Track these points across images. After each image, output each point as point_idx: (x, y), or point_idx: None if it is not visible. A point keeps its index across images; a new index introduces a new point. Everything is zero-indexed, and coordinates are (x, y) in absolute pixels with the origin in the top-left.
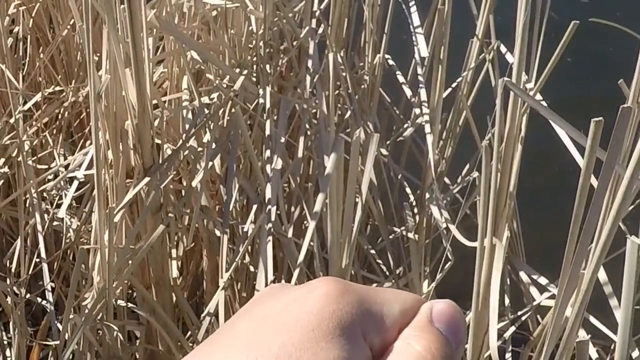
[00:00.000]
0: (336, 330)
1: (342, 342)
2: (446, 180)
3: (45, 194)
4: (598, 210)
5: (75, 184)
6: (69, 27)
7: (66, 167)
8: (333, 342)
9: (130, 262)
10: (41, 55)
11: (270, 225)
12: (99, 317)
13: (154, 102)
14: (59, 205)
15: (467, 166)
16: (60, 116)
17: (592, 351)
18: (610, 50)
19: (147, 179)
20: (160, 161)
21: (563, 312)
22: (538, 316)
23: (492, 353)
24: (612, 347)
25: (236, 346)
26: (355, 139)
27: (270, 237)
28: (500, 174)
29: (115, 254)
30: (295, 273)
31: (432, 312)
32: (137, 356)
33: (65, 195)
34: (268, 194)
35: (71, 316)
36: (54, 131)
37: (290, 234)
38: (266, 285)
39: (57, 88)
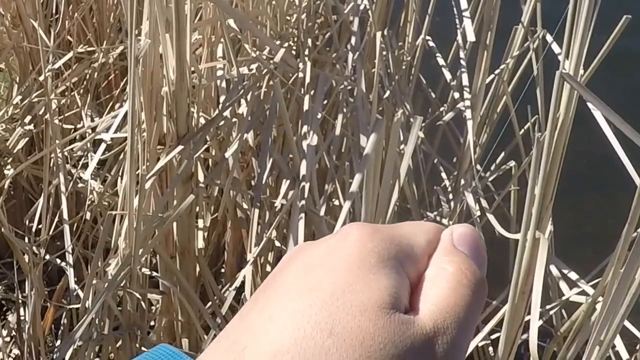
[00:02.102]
0: (379, 264)
1: (387, 272)
2: (479, 167)
3: (69, 155)
4: None
5: (102, 147)
6: None
7: (93, 129)
8: (380, 274)
9: (156, 230)
10: (74, 14)
11: (303, 202)
12: (121, 284)
13: (191, 69)
14: (83, 167)
15: (503, 154)
16: (89, 77)
17: (622, 349)
18: None
19: (180, 147)
20: (195, 130)
21: (606, 323)
22: (564, 311)
23: (531, 352)
24: (638, 347)
25: (290, 295)
26: (396, 121)
27: (302, 215)
28: (549, 167)
29: (142, 222)
30: None
31: (454, 236)
32: (156, 325)
33: (92, 157)
34: (303, 170)
35: (94, 281)
36: (82, 92)
37: (322, 213)
38: None
39: (88, 48)
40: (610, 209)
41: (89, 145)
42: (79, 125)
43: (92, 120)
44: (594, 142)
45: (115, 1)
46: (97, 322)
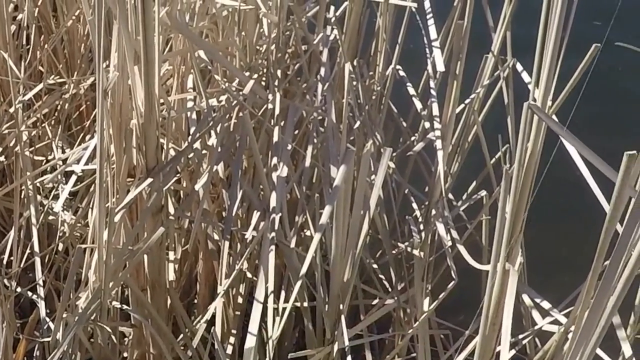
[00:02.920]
0: None
1: None
2: (450, 196)
3: (40, 186)
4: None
5: (73, 178)
6: (74, 17)
7: (64, 160)
8: None
9: (127, 263)
10: (45, 45)
11: (273, 234)
12: (92, 317)
13: (160, 100)
14: (55, 198)
15: (474, 183)
16: (59, 108)
17: None
18: (619, 70)
19: (149, 180)
20: (164, 162)
21: (578, 353)
22: (537, 339)
23: None
24: None
25: None
26: (366, 152)
27: (272, 247)
28: (518, 198)
29: (112, 255)
30: (297, 285)
31: None
32: (127, 358)
33: (62, 189)
34: (273, 202)
35: (65, 315)
36: (53, 123)
37: (292, 244)
38: (266, 295)
39: (59, 79)
40: (585, 234)
41: (60, 176)
42: (50, 157)
43: (63, 152)
44: (569, 167)
45: (87, 32)
46: (68, 355)
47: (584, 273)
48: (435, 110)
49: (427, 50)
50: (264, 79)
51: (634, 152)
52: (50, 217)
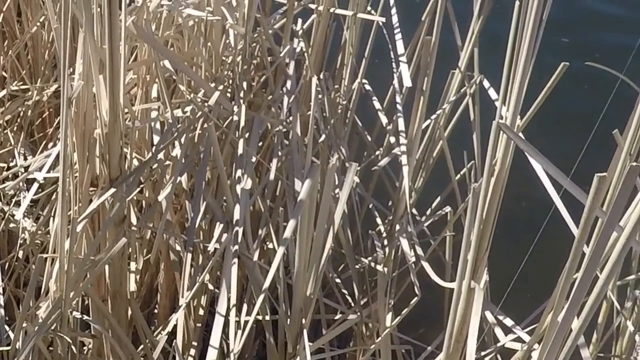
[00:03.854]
0: None
1: None
2: (414, 211)
3: (1, 193)
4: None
5: (35, 186)
6: (38, 23)
7: (26, 168)
8: None
9: (88, 273)
10: (8, 51)
11: (236, 246)
12: (52, 327)
13: (124, 110)
14: (16, 204)
15: (438, 199)
16: (22, 114)
17: None
18: (584, 88)
19: (112, 190)
20: (127, 172)
21: None
22: (499, 357)
23: None
24: None
25: None
26: (331, 167)
27: (235, 259)
28: (485, 216)
29: (73, 265)
30: (260, 298)
31: None
32: None
33: (24, 196)
34: (236, 214)
35: (24, 324)
36: (15, 129)
37: (255, 257)
38: (228, 308)
39: (22, 86)
40: (549, 251)
41: (21, 184)
42: (11, 164)
43: (25, 159)
44: (533, 184)
45: (51, 38)
46: None
47: (546, 290)
48: (401, 125)
49: (394, 64)
50: (229, 90)
51: (604, 174)
52: (11, 225)
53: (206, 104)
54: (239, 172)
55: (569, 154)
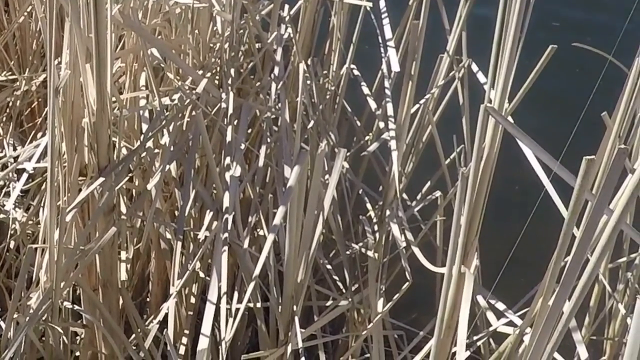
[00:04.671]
0: None
1: None
2: (405, 196)
3: None
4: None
5: (25, 176)
6: (25, 13)
7: (15, 158)
8: None
9: (78, 263)
10: None
11: (226, 234)
12: (43, 318)
13: (112, 99)
14: (6, 195)
15: (428, 183)
16: (11, 104)
17: None
18: (576, 72)
19: (101, 179)
20: (116, 161)
21: (535, 357)
22: (492, 340)
23: None
24: None
25: None
26: (320, 153)
27: (225, 247)
28: (474, 201)
29: (64, 254)
30: (250, 285)
31: None
32: (79, 358)
33: (13, 187)
34: (226, 201)
35: (15, 315)
36: (4, 120)
37: (246, 244)
38: (219, 296)
39: (10, 76)
40: (541, 235)
41: (11, 174)
42: (0, 154)
43: (15, 149)
44: (525, 167)
45: (39, 28)
46: (20, 355)
47: (537, 273)
48: (390, 110)
49: (382, 49)
50: (217, 77)
51: (593, 157)
52: (1, 215)
53: (194, 92)
54: (228, 160)
55: (560, 137)
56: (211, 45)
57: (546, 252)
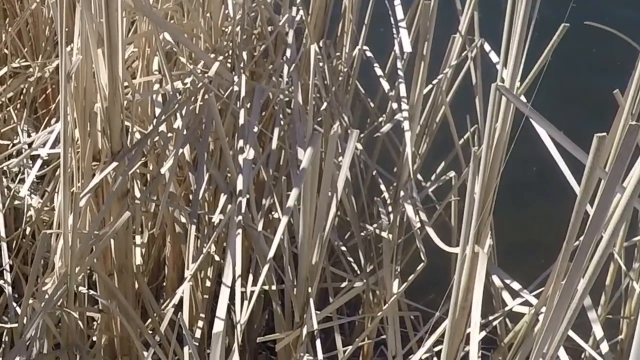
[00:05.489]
0: None
1: None
2: (419, 177)
3: (6, 170)
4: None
5: (39, 162)
6: (38, 0)
7: (30, 144)
8: None
9: (93, 248)
10: (8, 28)
11: (240, 217)
12: (59, 303)
13: (125, 83)
14: (21, 182)
15: (442, 164)
16: (25, 91)
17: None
18: (593, 52)
19: (115, 164)
20: (129, 146)
21: (549, 335)
22: (508, 320)
23: None
24: (583, 356)
25: None
26: (333, 134)
27: (240, 230)
28: (487, 180)
29: (78, 240)
30: (265, 268)
31: None
32: (95, 343)
33: (28, 173)
34: (239, 185)
35: (30, 301)
36: (18, 106)
37: (260, 227)
38: (234, 279)
39: (23, 62)
40: (554, 214)
41: (26, 160)
42: (15, 141)
43: (29, 136)
44: (542, 149)
45: (51, 14)
46: (36, 341)
47: (553, 254)
48: (403, 91)
49: (394, 30)
50: (229, 60)
51: (604, 134)
52: (17, 202)
53: (206, 75)
54: (241, 143)
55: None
56: (223, 28)
57: (563, 232)
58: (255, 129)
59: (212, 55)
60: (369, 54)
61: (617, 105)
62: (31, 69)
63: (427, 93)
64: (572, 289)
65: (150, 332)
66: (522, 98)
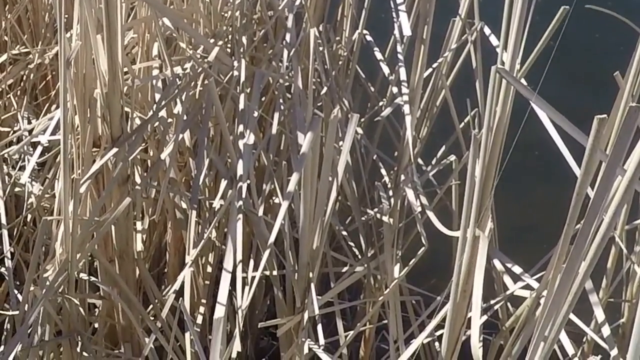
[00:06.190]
0: None
1: None
2: (420, 161)
3: (7, 157)
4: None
5: (39, 149)
6: None
7: (30, 131)
8: None
9: (94, 234)
10: (8, 15)
11: (241, 202)
12: (60, 290)
13: (125, 69)
14: (21, 169)
15: (443, 148)
16: (25, 78)
17: (567, 344)
18: (595, 37)
19: (115, 150)
20: (130, 131)
21: (550, 318)
22: (509, 304)
23: (474, 356)
24: (584, 339)
25: None
26: (333, 119)
27: (240, 215)
28: (487, 163)
29: (79, 226)
30: (266, 253)
31: None
32: (97, 329)
33: (28, 160)
34: (239, 170)
35: (32, 288)
36: (18, 93)
37: (260, 212)
38: (234, 264)
39: (23, 49)
40: (555, 198)
41: (26, 147)
42: (15, 128)
43: (29, 123)
44: (544, 133)
45: (50, 1)
46: (38, 328)
47: (555, 237)
48: (403, 75)
49: (394, 14)
50: (229, 45)
51: (604, 115)
52: (17, 189)
53: (206, 60)
54: (241, 128)
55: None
56: (223, 13)
57: (564, 217)
58: (255, 114)
59: (212, 40)
60: (368, 38)
61: (619, 89)
62: (31, 56)
63: (427, 77)
64: (573, 272)
65: (152, 318)
66: (523, 81)
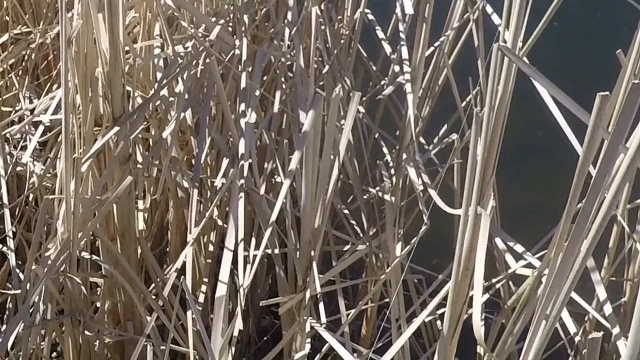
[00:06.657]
0: None
1: None
2: (421, 139)
3: (8, 137)
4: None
5: (41, 128)
6: None
7: (32, 110)
8: None
9: (95, 213)
10: None
11: (242, 181)
12: (61, 269)
13: (126, 48)
14: (22, 149)
15: (445, 127)
16: (26, 58)
17: (570, 323)
18: (598, 17)
19: (116, 129)
20: (131, 110)
21: (552, 297)
22: (511, 283)
23: (476, 335)
24: (586, 318)
25: None
26: (335, 97)
27: (242, 194)
28: (489, 141)
29: (80, 205)
30: (267, 232)
31: None
32: (99, 308)
33: (30, 140)
34: (241, 148)
35: (33, 267)
36: (20, 73)
37: (262, 191)
38: (236, 243)
39: (25, 29)
40: (557, 176)
41: (28, 127)
42: (17, 107)
43: (31, 102)
44: (547, 112)
45: None
46: (40, 307)
47: (557, 216)
48: (405, 54)
49: None
50: (230, 24)
51: (607, 93)
52: (19, 168)
53: (207, 39)
54: (243, 106)
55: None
56: None
57: (566, 196)
58: (257, 93)
59: (214, 19)
60: (370, 16)
61: (621, 67)
62: (32, 36)
63: (429, 55)
64: (575, 251)
65: (154, 297)
66: (525, 59)
